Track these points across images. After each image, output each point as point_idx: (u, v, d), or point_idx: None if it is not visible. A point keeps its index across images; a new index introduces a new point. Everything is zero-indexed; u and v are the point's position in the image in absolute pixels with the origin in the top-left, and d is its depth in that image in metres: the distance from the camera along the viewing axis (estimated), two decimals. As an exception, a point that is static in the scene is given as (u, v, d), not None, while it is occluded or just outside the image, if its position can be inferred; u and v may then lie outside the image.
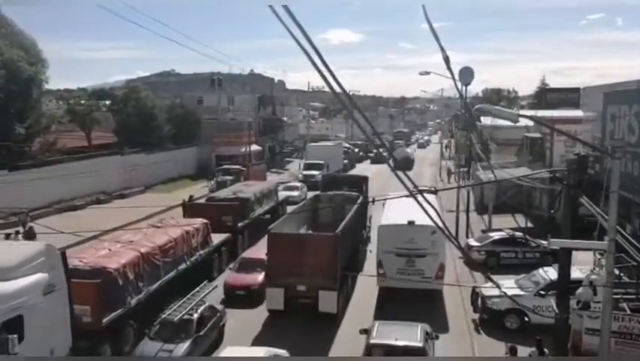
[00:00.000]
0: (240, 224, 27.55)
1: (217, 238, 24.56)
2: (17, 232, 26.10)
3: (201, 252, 22.39)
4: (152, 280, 17.99)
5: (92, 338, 14.47)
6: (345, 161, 62.06)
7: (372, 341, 14.46)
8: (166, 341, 15.03)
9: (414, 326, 15.06)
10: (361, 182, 31.70)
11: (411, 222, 19.75)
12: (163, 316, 15.74)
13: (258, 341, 17.44)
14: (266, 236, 19.79)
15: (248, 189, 32.53)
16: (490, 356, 16.18)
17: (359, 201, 26.83)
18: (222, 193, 31.98)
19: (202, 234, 22.61)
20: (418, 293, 20.26)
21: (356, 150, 74.34)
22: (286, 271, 18.87)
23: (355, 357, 12.44)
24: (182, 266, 20.37)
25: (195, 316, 15.92)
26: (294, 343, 16.13)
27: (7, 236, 25.50)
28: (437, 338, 15.69)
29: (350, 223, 22.23)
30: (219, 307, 18.07)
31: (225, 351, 14.81)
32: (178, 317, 15.52)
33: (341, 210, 25.61)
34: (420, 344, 14.12)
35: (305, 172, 51.66)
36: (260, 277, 20.84)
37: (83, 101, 53.07)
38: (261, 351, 14.09)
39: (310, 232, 24.82)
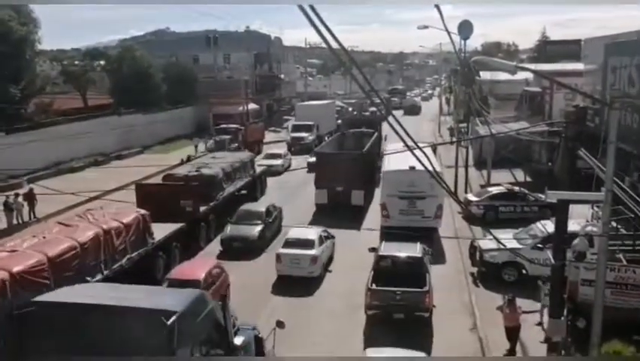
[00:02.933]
0: (203, 208, 22.91)
1: (166, 231, 19.72)
2: (17, 195, 26.21)
3: (133, 254, 17.48)
4: None
5: None
6: (339, 121, 54.93)
7: (380, 254, 17.30)
8: None
9: (413, 243, 17.86)
10: (377, 122, 38.78)
11: (412, 168, 21.23)
12: None
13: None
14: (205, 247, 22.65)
15: (216, 162, 27.45)
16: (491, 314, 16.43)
17: (374, 135, 35.12)
18: (184, 169, 26.74)
19: (136, 229, 17.66)
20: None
21: (350, 108, 69.56)
22: (329, 177, 26.91)
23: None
24: (97, 278, 15.45)
25: None
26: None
27: (7, 198, 25.67)
28: (432, 254, 18.94)
29: (369, 150, 31.08)
30: None
31: (290, 232, 20.42)
32: None
33: (360, 142, 34.04)
34: (419, 255, 17.07)
35: (293, 134, 47.28)
36: None
37: (77, 62, 52.50)
38: (316, 229, 20.65)
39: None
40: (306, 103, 59.51)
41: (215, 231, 23.53)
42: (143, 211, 18.55)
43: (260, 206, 25.02)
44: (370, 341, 14.68)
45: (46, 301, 9.02)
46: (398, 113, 72.65)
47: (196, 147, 44.48)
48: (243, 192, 28.28)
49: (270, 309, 16.81)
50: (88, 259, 15.23)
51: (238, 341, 9.72)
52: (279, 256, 19.27)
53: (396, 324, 15.34)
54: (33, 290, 11.95)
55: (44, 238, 15.07)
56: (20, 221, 25.69)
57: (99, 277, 15.58)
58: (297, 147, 44.11)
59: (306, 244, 19.43)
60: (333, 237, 21.48)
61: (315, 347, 14.63)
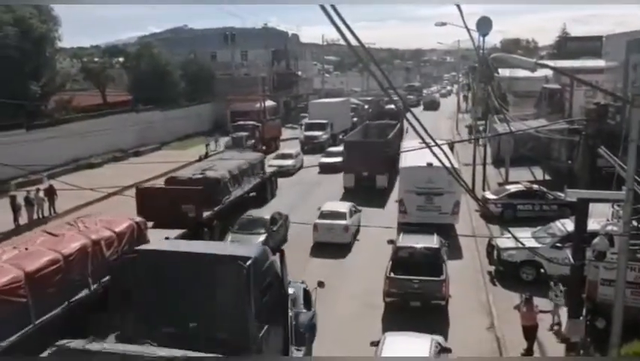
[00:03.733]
0: (206, 213, 21.41)
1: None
2: (37, 190, 26.59)
3: None
4: (10, 330, 11.46)
5: None
6: (355, 119, 54.79)
7: (399, 245, 17.82)
8: None
9: (431, 235, 18.41)
10: (399, 114, 42.14)
11: (429, 164, 21.42)
12: None
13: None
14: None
15: (222, 164, 26.08)
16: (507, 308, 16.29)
17: (397, 126, 38.83)
18: (188, 171, 25.83)
19: (129, 238, 16.11)
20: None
21: (365, 106, 66.43)
22: (356, 163, 30.00)
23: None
24: (83, 294, 13.61)
25: None
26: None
27: (28, 193, 26.03)
28: (449, 245, 19.26)
29: (392, 138, 34.36)
30: None
31: (324, 205, 23.49)
32: None
33: (384, 131, 37.03)
34: (436, 246, 17.60)
35: (306, 133, 45.65)
36: None
37: (96, 59, 53.03)
38: (347, 204, 23.78)
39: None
40: (320, 101, 57.28)
41: (220, 237, 21.94)
42: (138, 219, 17.08)
43: (264, 213, 22.97)
44: (388, 327, 14.70)
45: (148, 250, 11.60)
46: (418, 108, 72.65)
47: (207, 145, 44.08)
48: (252, 194, 27.20)
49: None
50: (73, 273, 13.59)
51: (290, 291, 11.29)
52: (316, 226, 22.13)
53: (414, 311, 15.65)
54: (7, 309, 11.34)
55: (26, 249, 13.60)
56: (41, 216, 26.07)
57: (85, 292, 13.75)
58: (310, 146, 43.26)
59: (339, 215, 22.44)
60: (360, 211, 24.21)
61: (349, 298, 17.34)
